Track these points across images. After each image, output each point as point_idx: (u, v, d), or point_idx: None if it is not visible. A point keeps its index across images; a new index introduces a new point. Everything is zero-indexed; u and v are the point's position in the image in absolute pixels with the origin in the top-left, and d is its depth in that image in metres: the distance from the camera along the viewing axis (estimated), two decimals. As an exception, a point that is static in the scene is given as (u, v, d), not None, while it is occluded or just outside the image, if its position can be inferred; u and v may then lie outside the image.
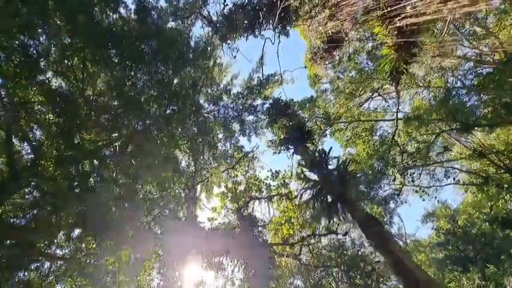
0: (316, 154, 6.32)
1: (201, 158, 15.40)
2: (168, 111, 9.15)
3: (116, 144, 11.01)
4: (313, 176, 6.32)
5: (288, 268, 10.97)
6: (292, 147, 7.63)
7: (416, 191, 19.48)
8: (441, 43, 6.73)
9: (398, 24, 6.99)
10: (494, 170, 15.63)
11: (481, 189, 16.51)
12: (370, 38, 12.66)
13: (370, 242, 5.41)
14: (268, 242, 10.23)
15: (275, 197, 12.62)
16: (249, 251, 8.71)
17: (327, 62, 12.25)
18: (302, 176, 6.10)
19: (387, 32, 7.36)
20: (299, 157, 7.87)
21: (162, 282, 13.00)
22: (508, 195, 11.22)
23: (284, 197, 12.69)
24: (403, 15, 6.58)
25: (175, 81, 9.08)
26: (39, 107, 7.79)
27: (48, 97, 6.42)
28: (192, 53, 9.25)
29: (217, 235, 9.94)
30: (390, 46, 7.55)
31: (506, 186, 10.99)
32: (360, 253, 12.43)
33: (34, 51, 7.59)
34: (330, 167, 6.30)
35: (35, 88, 6.59)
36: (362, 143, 13.00)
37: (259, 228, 10.37)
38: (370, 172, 13.14)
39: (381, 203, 20.28)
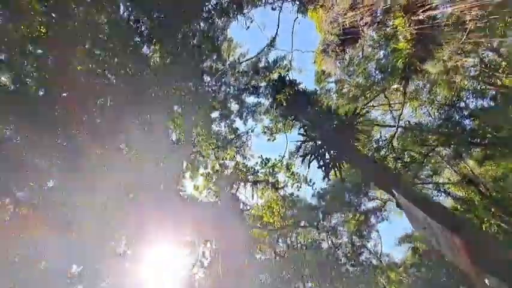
0: (320, 113, 5.94)
1: (192, 132, 14.92)
2: (167, 66, 8.69)
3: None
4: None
5: (263, 256, 10.60)
6: (294, 113, 7.21)
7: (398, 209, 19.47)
8: (461, 43, 6.59)
9: (420, 17, 6.82)
10: (479, 199, 15.72)
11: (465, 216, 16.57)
12: (384, 45, 12.53)
13: (376, 183, 5.07)
14: (248, 224, 9.85)
15: (261, 183, 12.23)
16: (227, 227, 8.33)
17: (338, 57, 12.05)
18: (302, 132, 5.72)
19: (408, 24, 7.17)
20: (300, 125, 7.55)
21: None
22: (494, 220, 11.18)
23: (270, 185, 12.32)
24: (427, 7, 6.39)
25: (180, 36, 8.64)
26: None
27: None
28: (205, 14, 8.87)
29: (197, 206, 9.51)
30: (408, 40, 7.36)
31: (492, 210, 10.94)
32: (336, 254, 12.20)
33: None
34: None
35: None
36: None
37: (241, 209, 9.99)
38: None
39: (365, 214, 20.22)
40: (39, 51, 8.02)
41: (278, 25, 10.73)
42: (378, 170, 4.95)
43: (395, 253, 21.92)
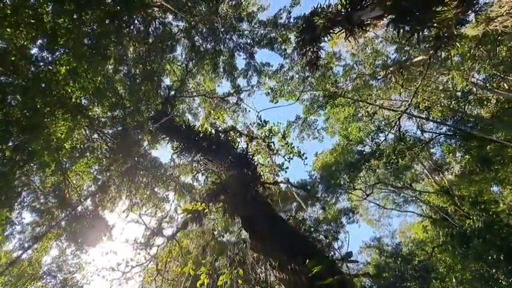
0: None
1: (187, 80, 13.67)
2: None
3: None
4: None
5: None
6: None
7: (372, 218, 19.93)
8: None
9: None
10: (453, 209, 16.28)
11: (436, 225, 17.03)
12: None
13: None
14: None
15: (255, 141, 11.36)
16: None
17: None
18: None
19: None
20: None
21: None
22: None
23: (265, 145, 11.49)
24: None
25: None
26: None
27: None
28: None
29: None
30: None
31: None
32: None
33: None
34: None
35: None
36: (357, 127, 12.53)
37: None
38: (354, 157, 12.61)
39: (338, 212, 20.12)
40: None
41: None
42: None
43: (361, 256, 21.90)
